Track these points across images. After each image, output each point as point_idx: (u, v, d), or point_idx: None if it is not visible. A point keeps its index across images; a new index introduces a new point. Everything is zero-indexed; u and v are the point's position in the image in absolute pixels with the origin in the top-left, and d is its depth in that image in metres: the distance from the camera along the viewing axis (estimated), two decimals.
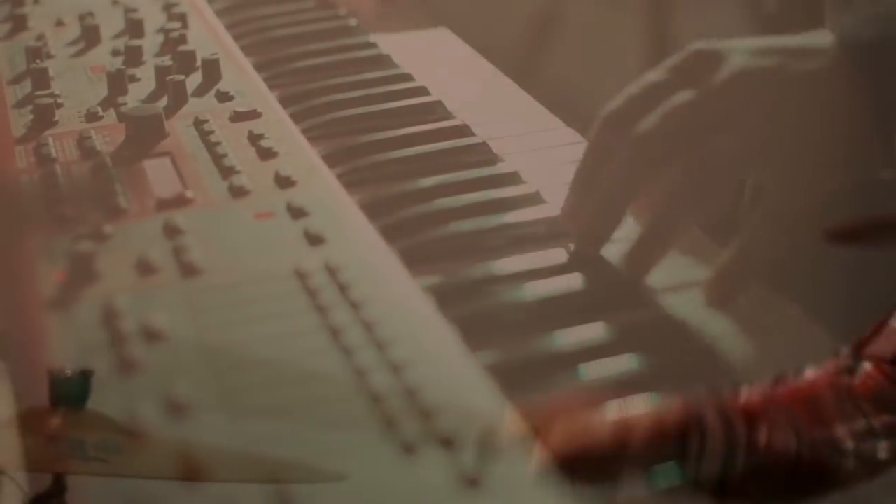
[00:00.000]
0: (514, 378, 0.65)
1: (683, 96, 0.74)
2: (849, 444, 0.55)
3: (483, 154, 0.93)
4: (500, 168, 0.90)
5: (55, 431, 0.58)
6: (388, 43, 1.17)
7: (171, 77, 1.00)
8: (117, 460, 0.57)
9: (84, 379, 0.59)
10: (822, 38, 0.75)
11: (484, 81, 1.11)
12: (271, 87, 1.06)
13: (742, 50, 0.75)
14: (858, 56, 0.73)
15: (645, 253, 0.74)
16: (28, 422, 0.58)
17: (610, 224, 0.75)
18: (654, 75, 0.77)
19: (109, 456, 0.57)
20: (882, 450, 0.55)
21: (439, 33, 1.23)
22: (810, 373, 0.58)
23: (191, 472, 0.56)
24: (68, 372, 0.59)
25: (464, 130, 0.96)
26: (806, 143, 0.73)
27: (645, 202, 0.75)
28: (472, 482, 0.55)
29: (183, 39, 1.11)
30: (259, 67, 1.11)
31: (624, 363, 0.66)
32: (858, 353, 0.61)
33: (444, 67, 1.13)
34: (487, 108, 1.02)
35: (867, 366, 0.59)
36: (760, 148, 0.73)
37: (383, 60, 1.13)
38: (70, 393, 0.59)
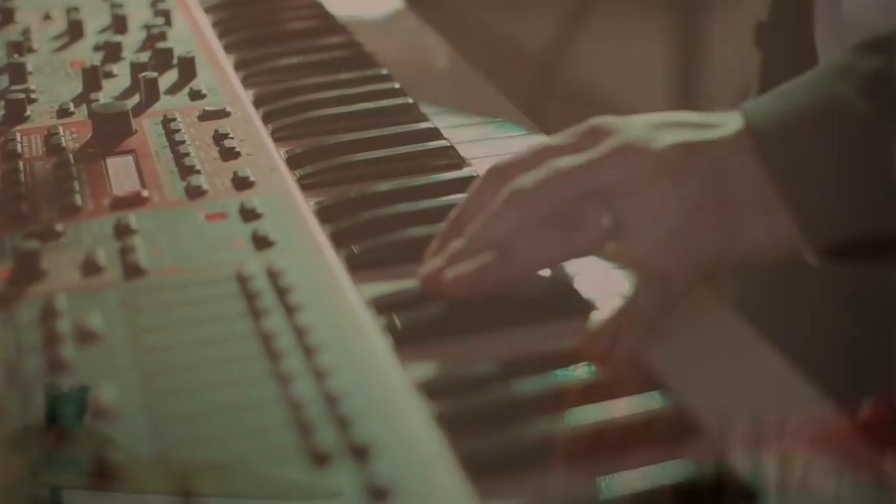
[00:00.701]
0: (441, 391, 0.65)
1: (565, 160, 0.74)
2: None
3: (450, 158, 0.93)
4: (465, 172, 0.90)
5: (52, 448, 0.59)
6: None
7: (143, 74, 1.00)
8: (114, 476, 0.58)
9: (81, 396, 0.59)
10: (728, 118, 0.74)
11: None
12: (249, 86, 1.06)
13: (636, 125, 0.75)
14: (757, 139, 0.72)
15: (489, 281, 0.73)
16: (25, 439, 0.59)
17: (468, 263, 0.73)
18: (550, 140, 0.77)
19: (105, 472, 0.58)
20: None
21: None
22: None
23: (186, 488, 0.56)
24: (65, 389, 0.60)
25: (432, 134, 0.96)
26: (676, 211, 0.71)
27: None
28: (380, 494, 0.55)
29: (163, 36, 1.12)
30: (239, 66, 1.11)
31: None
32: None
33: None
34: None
35: None
36: (630, 221, 0.72)
37: (366, 60, 1.13)
38: (67, 410, 0.59)
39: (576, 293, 0.73)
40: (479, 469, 0.58)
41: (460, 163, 0.92)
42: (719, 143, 0.73)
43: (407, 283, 0.75)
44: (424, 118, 1.00)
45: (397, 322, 0.70)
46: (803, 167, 0.71)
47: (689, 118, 0.75)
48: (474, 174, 0.88)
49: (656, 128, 0.74)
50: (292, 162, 0.91)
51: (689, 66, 2.51)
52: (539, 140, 0.78)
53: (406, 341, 0.69)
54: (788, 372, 0.67)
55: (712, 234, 0.71)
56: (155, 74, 1.01)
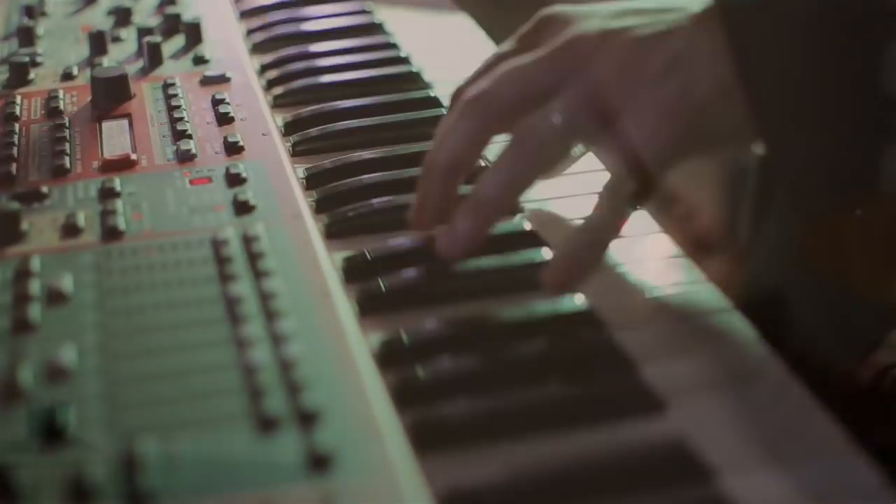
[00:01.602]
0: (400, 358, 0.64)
1: (517, 60, 0.71)
2: None
3: None
4: None
5: None
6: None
7: (146, 38, 1.00)
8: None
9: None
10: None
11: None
12: (259, 52, 1.06)
13: (595, 14, 0.71)
14: (729, 19, 0.66)
15: (468, 226, 0.70)
16: None
17: (438, 195, 0.72)
18: (502, 46, 0.74)
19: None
20: None
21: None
22: None
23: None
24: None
25: (431, 102, 0.95)
26: (636, 109, 0.67)
27: None
28: (321, 461, 0.54)
29: (174, 2, 1.12)
30: (250, 32, 1.11)
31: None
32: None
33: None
34: None
35: None
36: (592, 114, 0.68)
37: (374, 28, 1.12)
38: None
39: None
40: (426, 441, 0.58)
41: None
42: (678, 29, 0.68)
43: (380, 250, 0.74)
44: (427, 86, 0.99)
45: (364, 290, 0.70)
46: (767, 47, 0.66)
47: (647, 4, 0.71)
48: None
49: (612, 17, 0.71)
50: (289, 128, 0.91)
51: None
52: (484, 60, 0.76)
53: (372, 310, 0.68)
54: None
55: (675, 128, 0.67)
56: (158, 39, 1.00)
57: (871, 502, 0.55)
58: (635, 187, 0.67)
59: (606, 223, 0.68)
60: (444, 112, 0.91)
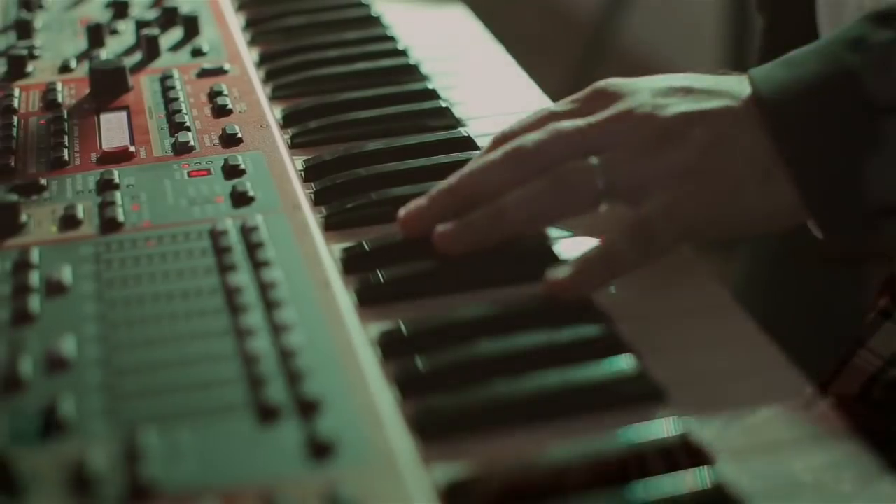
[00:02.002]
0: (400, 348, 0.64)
1: (567, 123, 0.73)
2: None
3: (445, 118, 0.91)
4: (454, 133, 0.88)
5: None
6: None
7: (144, 31, 1.00)
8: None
9: None
10: (735, 84, 0.73)
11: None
12: (257, 44, 1.06)
13: (647, 88, 0.73)
14: (764, 108, 0.70)
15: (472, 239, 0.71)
16: None
17: (449, 215, 0.72)
18: (555, 106, 0.76)
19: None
20: None
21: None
22: None
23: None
24: None
25: (428, 94, 0.95)
26: (673, 178, 0.70)
27: None
28: (322, 450, 0.54)
29: None
30: (248, 24, 1.10)
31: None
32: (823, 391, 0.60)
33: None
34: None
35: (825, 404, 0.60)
36: (624, 179, 0.70)
37: (372, 21, 1.12)
38: None
39: (553, 255, 0.72)
40: (428, 429, 0.57)
41: (455, 123, 0.91)
42: (723, 111, 0.71)
43: (379, 241, 0.74)
44: (425, 79, 0.99)
45: (363, 281, 0.69)
46: (810, 137, 0.69)
47: (695, 83, 0.73)
48: (465, 135, 0.87)
49: (662, 94, 0.73)
50: (287, 120, 0.90)
51: (738, 24, 2.46)
52: (533, 113, 0.77)
53: (371, 300, 0.68)
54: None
55: (705, 202, 0.69)
56: (156, 32, 1.00)
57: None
58: (652, 231, 0.69)
59: (624, 260, 0.69)
60: (441, 104, 0.92)
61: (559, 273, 0.68)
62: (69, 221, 0.74)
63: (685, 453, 0.56)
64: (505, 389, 0.60)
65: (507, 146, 0.73)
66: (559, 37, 3.26)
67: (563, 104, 0.77)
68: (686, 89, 0.73)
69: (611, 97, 0.74)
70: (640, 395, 0.61)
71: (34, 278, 0.68)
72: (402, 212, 0.73)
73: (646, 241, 0.69)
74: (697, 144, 0.70)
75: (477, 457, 0.56)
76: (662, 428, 0.57)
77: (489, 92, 0.98)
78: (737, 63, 2.45)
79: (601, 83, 0.76)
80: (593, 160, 0.71)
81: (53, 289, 0.67)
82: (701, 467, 0.55)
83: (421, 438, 0.57)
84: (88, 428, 0.56)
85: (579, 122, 0.73)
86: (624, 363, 0.62)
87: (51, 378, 0.60)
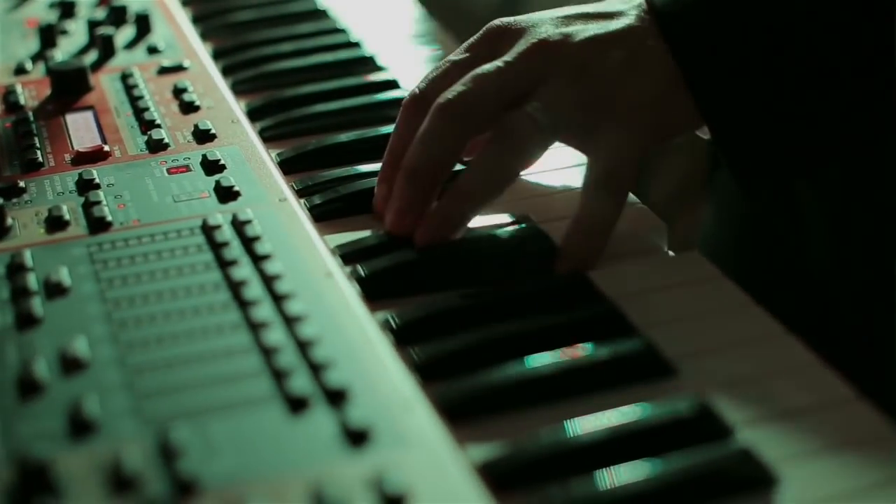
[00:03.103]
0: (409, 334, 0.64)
1: (487, 66, 0.72)
2: None
3: None
4: None
5: None
6: None
7: (99, 30, 0.98)
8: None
9: None
10: (626, 4, 0.74)
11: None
12: (206, 40, 1.05)
13: (544, 21, 0.74)
14: (661, 20, 0.72)
15: (448, 220, 0.72)
16: None
17: (421, 200, 0.72)
18: (454, 56, 0.76)
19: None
20: None
21: None
22: None
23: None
24: None
25: (391, 84, 0.95)
26: (609, 105, 0.71)
27: None
28: (359, 437, 0.54)
29: None
30: (195, 20, 1.09)
31: None
32: None
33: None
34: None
35: None
36: (567, 112, 0.71)
37: (320, 14, 1.11)
38: None
39: (548, 239, 0.72)
40: (456, 411, 0.58)
41: None
42: (629, 30, 0.72)
43: (372, 232, 0.74)
44: (382, 69, 0.99)
45: (363, 271, 0.69)
46: (704, 47, 0.71)
47: (588, 8, 0.75)
48: None
49: (563, 22, 0.74)
50: (253, 115, 0.90)
51: None
52: (434, 68, 0.76)
53: (374, 290, 0.68)
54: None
55: (644, 121, 0.71)
56: (112, 31, 0.99)
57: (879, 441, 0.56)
58: (618, 177, 0.70)
59: (602, 217, 0.70)
60: (399, 94, 0.92)
61: (567, 256, 0.69)
62: (56, 223, 0.73)
63: (706, 426, 0.57)
64: (523, 370, 0.60)
65: (435, 108, 0.72)
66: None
67: (462, 52, 0.76)
68: (583, 15, 0.74)
69: (511, 34, 0.75)
70: (653, 371, 0.61)
71: (32, 281, 0.67)
72: (386, 222, 0.73)
73: (616, 190, 0.70)
74: (618, 65, 0.71)
75: (505, 435, 0.57)
76: (681, 402, 0.58)
77: None
78: None
79: (494, 23, 0.76)
80: (529, 106, 0.71)
81: (54, 290, 0.66)
82: (724, 438, 0.56)
83: (450, 420, 0.57)
84: (116, 427, 0.56)
85: (497, 63, 0.72)
86: (634, 341, 0.63)
87: (68, 379, 0.59)
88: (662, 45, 0.71)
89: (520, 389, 0.60)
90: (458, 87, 0.72)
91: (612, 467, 0.55)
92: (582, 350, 0.62)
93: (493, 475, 0.54)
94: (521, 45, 0.73)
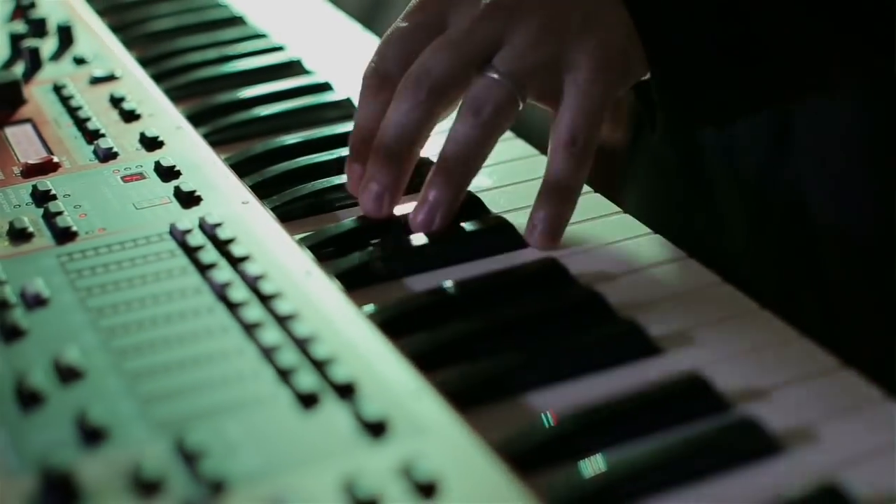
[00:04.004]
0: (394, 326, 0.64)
1: (445, 36, 0.72)
2: None
3: (346, 109, 0.91)
4: None
5: None
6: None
7: (25, 43, 0.96)
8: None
9: None
10: None
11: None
12: (131, 50, 1.03)
13: None
14: None
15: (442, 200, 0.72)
16: None
17: (399, 180, 0.72)
18: (400, 22, 0.75)
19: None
20: None
21: None
22: None
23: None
24: None
25: (326, 87, 0.95)
26: (573, 61, 0.71)
27: None
28: (377, 427, 0.54)
29: (33, 5, 1.07)
30: (115, 30, 1.07)
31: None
32: None
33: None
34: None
35: None
36: (533, 73, 0.71)
37: (237, 20, 1.11)
38: None
39: (511, 227, 0.73)
40: (464, 397, 0.58)
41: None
42: None
43: (341, 227, 0.74)
44: (310, 72, 0.98)
45: (344, 265, 0.69)
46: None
47: None
48: None
49: None
50: (193, 121, 0.89)
51: None
52: (384, 42, 0.75)
53: (355, 283, 0.68)
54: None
55: (610, 77, 0.72)
56: (38, 43, 0.97)
57: (874, 411, 0.58)
58: (584, 133, 0.70)
59: (570, 178, 0.71)
60: (341, 96, 0.92)
61: (537, 235, 0.69)
62: (20, 235, 0.71)
63: (704, 400, 0.58)
64: (522, 355, 0.61)
65: (404, 84, 0.72)
66: None
67: (406, 20, 0.75)
68: None
69: None
70: (640, 351, 0.62)
71: (8, 293, 0.65)
72: (360, 203, 0.73)
73: (582, 152, 0.71)
74: (575, 21, 0.71)
75: (507, 420, 0.57)
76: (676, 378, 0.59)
77: None
78: None
79: None
80: (491, 73, 0.71)
81: (33, 302, 0.64)
82: (721, 412, 0.58)
83: (460, 407, 0.57)
84: (127, 432, 0.55)
85: (457, 30, 0.72)
86: (619, 323, 0.64)
87: (68, 389, 0.58)
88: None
89: (515, 375, 0.60)
90: (423, 61, 0.71)
91: (618, 444, 0.56)
92: (570, 333, 0.63)
93: (512, 456, 0.54)
94: (474, 9, 0.72)
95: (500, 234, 0.72)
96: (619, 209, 0.76)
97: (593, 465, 0.54)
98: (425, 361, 0.60)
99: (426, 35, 0.73)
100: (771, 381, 0.60)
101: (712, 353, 0.63)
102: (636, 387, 0.60)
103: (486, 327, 0.64)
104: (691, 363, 0.61)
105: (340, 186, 0.77)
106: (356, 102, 0.88)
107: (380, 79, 0.74)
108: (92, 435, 0.54)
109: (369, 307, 0.66)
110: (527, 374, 0.61)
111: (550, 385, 0.60)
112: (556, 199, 0.71)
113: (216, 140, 0.87)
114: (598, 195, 0.77)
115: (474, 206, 0.75)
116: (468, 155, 0.71)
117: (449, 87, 0.71)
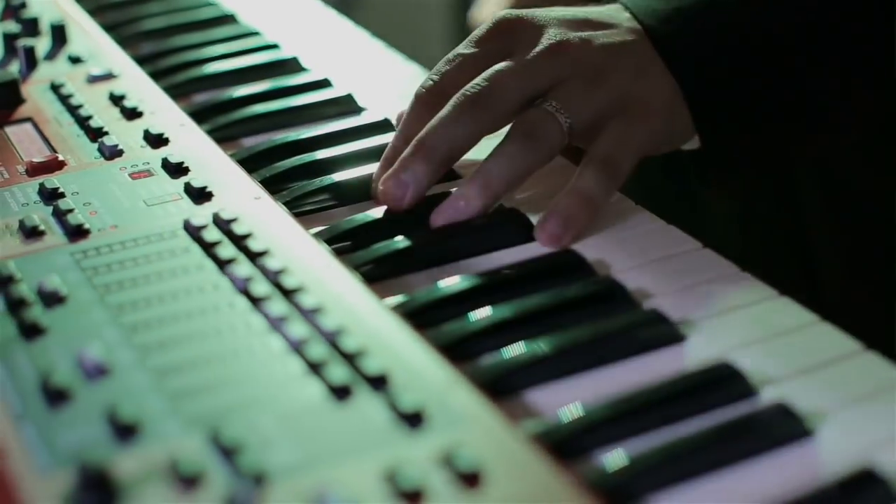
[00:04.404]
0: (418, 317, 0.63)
1: (505, 64, 0.74)
2: None
3: (347, 105, 0.91)
4: (367, 118, 0.88)
5: None
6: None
7: (21, 42, 0.95)
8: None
9: None
10: (618, 12, 0.77)
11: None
12: (128, 47, 1.02)
13: (551, 20, 0.76)
14: (652, 32, 0.75)
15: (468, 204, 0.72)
16: None
17: (428, 176, 0.72)
18: (463, 49, 0.76)
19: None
20: None
21: None
22: None
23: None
24: None
25: (325, 83, 0.94)
26: (622, 106, 0.73)
27: None
28: (414, 418, 0.54)
29: (24, 5, 1.06)
30: (108, 29, 1.06)
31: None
32: None
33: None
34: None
35: None
36: (581, 114, 0.73)
37: (229, 18, 1.10)
38: None
39: (524, 218, 0.73)
40: (499, 387, 0.58)
41: (358, 109, 0.91)
42: (633, 43, 0.75)
43: (353, 222, 0.73)
44: (306, 70, 0.98)
45: (361, 259, 0.69)
46: (696, 63, 0.75)
47: (590, 14, 0.77)
48: (383, 118, 0.87)
49: (573, 25, 0.75)
50: (195, 118, 0.88)
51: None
52: (445, 62, 0.77)
53: (377, 277, 0.68)
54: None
55: (648, 126, 0.74)
56: (33, 42, 0.95)
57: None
58: (616, 161, 0.72)
59: (594, 190, 0.72)
60: (343, 92, 0.91)
61: (547, 227, 0.69)
62: (32, 233, 0.70)
63: (733, 385, 0.58)
64: (541, 346, 0.61)
65: (457, 98, 0.73)
66: None
67: (472, 45, 0.76)
68: (586, 21, 0.76)
69: (522, 29, 0.76)
70: (663, 339, 0.62)
71: (26, 291, 0.64)
72: (381, 188, 0.73)
73: (613, 173, 0.72)
74: (628, 74, 0.74)
75: (543, 408, 0.57)
76: (705, 365, 0.59)
77: (372, 76, 0.97)
78: None
79: (503, 15, 0.77)
80: (547, 105, 0.72)
81: (51, 299, 0.63)
82: (750, 397, 0.58)
83: (493, 396, 0.56)
84: (159, 428, 0.54)
85: (518, 61, 0.73)
86: (641, 311, 0.64)
87: (95, 386, 0.57)
88: (660, 63, 0.75)
89: (543, 365, 0.60)
90: (480, 82, 0.73)
91: (651, 432, 0.55)
92: (594, 323, 0.62)
93: (550, 445, 0.54)
94: (541, 45, 0.74)
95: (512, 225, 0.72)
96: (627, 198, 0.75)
97: (630, 453, 0.53)
98: (449, 353, 0.60)
99: (488, 64, 0.74)
100: (793, 366, 0.60)
101: (733, 339, 0.62)
102: (664, 375, 0.59)
103: (507, 319, 0.63)
104: (714, 350, 0.61)
105: (351, 182, 0.76)
106: (357, 99, 0.89)
107: (435, 97, 0.75)
108: (124, 431, 0.53)
109: (397, 297, 0.65)
110: (553, 365, 0.60)
111: (576, 375, 0.60)
112: (576, 201, 0.71)
113: (218, 137, 0.86)
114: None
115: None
116: (512, 174, 0.72)
117: (497, 110, 0.73)
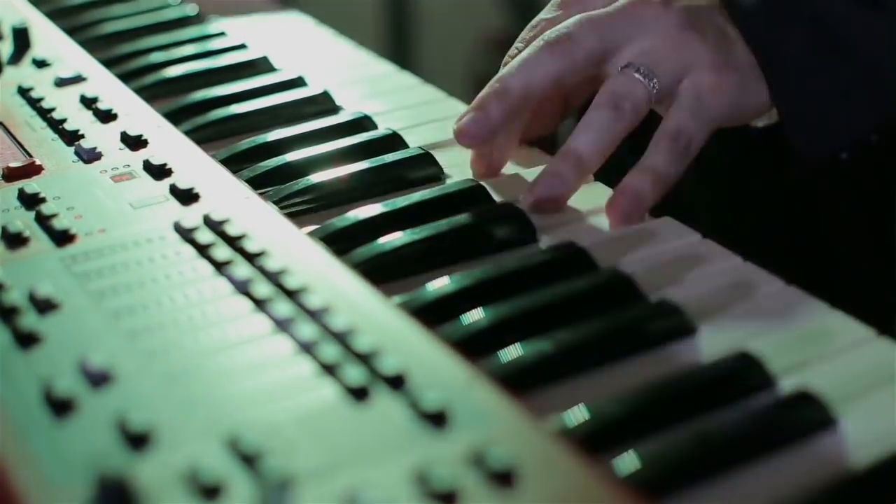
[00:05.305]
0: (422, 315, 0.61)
1: (588, 13, 0.74)
2: None
3: (323, 104, 0.89)
4: (346, 115, 0.86)
5: None
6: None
7: None
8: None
9: None
10: None
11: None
12: (93, 51, 0.99)
13: None
14: (739, 16, 0.74)
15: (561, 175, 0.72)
16: None
17: (501, 119, 0.73)
18: (546, 13, 0.77)
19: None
20: None
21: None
22: None
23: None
24: None
25: (300, 82, 0.92)
26: (700, 68, 0.72)
27: None
28: (437, 417, 0.52)
29: None
30: (70, 32, 1.03)
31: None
32: None
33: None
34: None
35: None
36: (661, 77, 0.72)
37: (193, 20, 1.07)
38: None
39: (525, 218, 0.71)
40: (518, 383, 0.56)
41: (336, 108, 0.89)
42: (711, 10, 0.74)
43: (345, 221, 0.71)
44: (276, 70, 0.96)
45: (360, 257, 0.67)
46: (779, 41, 0.73)
47: None
48: (363, 114, 0.85)
49: None
50: (171, 119, 0.85)
51: None
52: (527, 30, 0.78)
53: (377, 277, 0.65)
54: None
55: (724, 96, 0.72)
56: None
57: None
58: (687, 134, 0.71)
59: (665, 163, 0.70)
60: (320, 90, 0.89)
61: (617, 205, 0.69)
62: (15, 239, 0.67)
63: (754, 376, 0.57)
64: (555, 341, 0.59)
65: (540, 40, 0.73)
66: None
67: (552, 9, 0.78)
68: None
69: None
70: (675, 332, 0.61)
71: (17, 298, 0.61)
72: (456, 126, 0.73)
73: (685, 149, 0.71)
74: (712, 39, 0.73)
75: (560, 405, 0.55)
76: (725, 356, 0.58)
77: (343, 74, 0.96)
78: None
79: None
80: (633, 71, 0.71)
81: (45, 306, 0.61)
82: (770, 387, 0.56)
83: (514, 392, 0.55)
84: (173, 436, 0.51)
85: (600, 12, 0.74)
86: (652, 304, 0.62)
87: (99, 394, 0.54)
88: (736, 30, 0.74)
89: (557, 360, 0.58)
90: (559, 28, 0.73)
91: (676, 426, 0.54)
92: (606, 316, 0.61)
93: (577, 441, 0.52)
94: (621, 2, 0.74)
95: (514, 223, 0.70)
96: None
97: (657, 448, 0.52)
98: (458, 351, 0.58)
99: None
100: (809, 355, 0.59)
101: (745, 330, 0.61)
102: (678, 367, 0.58)
103: (513, 315, 0.61)
104: (726, 341, 0.60)
105: (339, 180, 0.75)
106: (333, 97, 0.87)
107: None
108: (137, 439, 0.51)
109: (400, 296, 0.63)
110: (569, 360, 0.58)
111: (594, 370, 0.58)
112: (647, 178, 0.70)
113: (195, 139, 0.83)
114: (599, 184, 0.75)
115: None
116: (602, 144, 0.71)
117: (577, 56, 0.73)
